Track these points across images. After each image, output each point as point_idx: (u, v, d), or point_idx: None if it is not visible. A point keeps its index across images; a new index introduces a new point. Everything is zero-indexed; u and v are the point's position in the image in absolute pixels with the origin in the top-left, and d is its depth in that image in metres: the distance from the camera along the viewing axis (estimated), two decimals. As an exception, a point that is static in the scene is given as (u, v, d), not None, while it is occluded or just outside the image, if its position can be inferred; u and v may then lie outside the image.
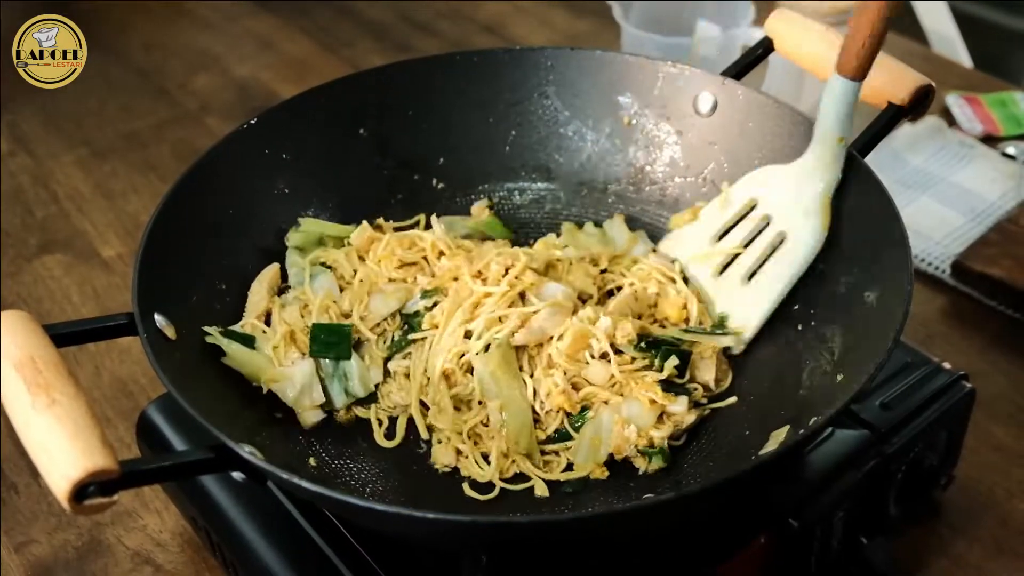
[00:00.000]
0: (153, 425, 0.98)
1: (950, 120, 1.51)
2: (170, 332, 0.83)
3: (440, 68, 1.07)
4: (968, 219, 1.34)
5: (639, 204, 1.08)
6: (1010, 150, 1.44)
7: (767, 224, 0.96)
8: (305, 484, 0.72)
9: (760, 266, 0.95)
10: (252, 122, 1.00)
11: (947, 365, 0.96)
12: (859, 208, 0.91)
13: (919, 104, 0.92)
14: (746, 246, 0.97)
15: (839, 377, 0.84)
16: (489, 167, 1.10)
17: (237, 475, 0.74)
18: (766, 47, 1.02)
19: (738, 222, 0.98)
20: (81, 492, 0.64)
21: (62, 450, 0.65)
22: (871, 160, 0.91)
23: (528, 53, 1.08)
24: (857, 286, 0.88)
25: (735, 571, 0.83)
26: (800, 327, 0.93)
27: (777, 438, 0.84)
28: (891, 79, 0.93)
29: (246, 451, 0.71)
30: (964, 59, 1.98)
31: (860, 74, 0.87)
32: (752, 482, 0.78)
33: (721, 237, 0.98)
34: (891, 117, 0.93)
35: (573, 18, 1.87)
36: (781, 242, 0.95)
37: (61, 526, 1.05)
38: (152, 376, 1.17)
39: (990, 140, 1.48)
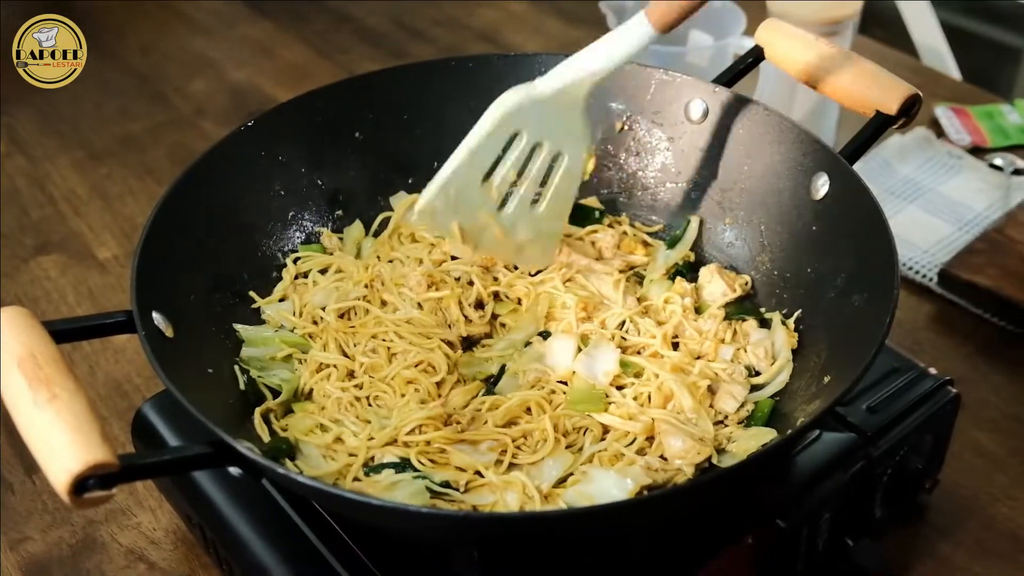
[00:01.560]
0: (148, 423, 0.99)
1: (939, 131, 1.53)
2: (168, 330, 0.84)
3: (435, 73, 1.09)
4: (955, 228, 1.35)
5: (631, 209, 1.09)
6: (997, 161, 1.46)
7: (533, 150, 0.95)
8: (301, 479, 0.73)
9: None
10: (249, 124, 1.01)
11: (933, 371, 0.97)
12: (847, 214, 0.92)
13: (906, 113, 0.93)
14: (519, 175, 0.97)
15: (826, 379, 0.85)
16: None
17: (234, 470, 0.74)
18: (756, 55, 1.03)
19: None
20: (81, 485, 0.65)
21: (63, 444, 0.65)
22: (861, 170, 0.92)
23: (522, 59, 1.09)
24: (845, 290, 0.90)
25: (722, 570, 0.84)
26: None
27: (762, 439, 0.85)
28: (879, 88, 0.95)
29: (243, 447, 0.72)
30: (953, 72, 1.99)
31: (664, 28, 0.88)
32: (739, 481, 0.79)
33: (488, 175, 0.96)
34: (879, 125, 0.94)
35: (568, 26, 1.88)
36: (555, 161, 0.96)
37: (56, 523, 1.06)
38: (147, 375, 1.19)
39: (978, 151, 1.49)
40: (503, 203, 0.98)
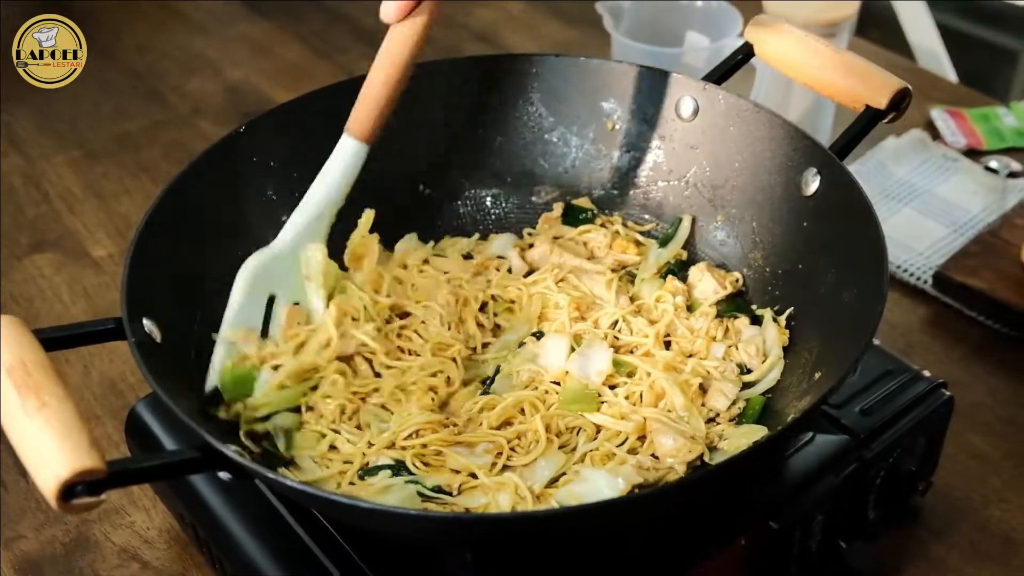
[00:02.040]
0: (142, 422, 0.99)
1: (934, 133, 1.53)
2: (157, 336, 0.84)
3: (426, 75, 1.08)
4: (950, 231, 1.35)
5: (623, 208, 1.09)
6: (992, 164, 1.46)
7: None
8: (291, 483, 0.73)
9: None
10: (241, 128, 1.01)
11: (927, 373, 0.97)
12: (837, 209, 0.92)
13: (896, 107, 0.93)
14: None
15: (817, 375, 0.85)
16: (475, 173, 1.11)
17: (223, 475, 0.74)
18: (746, 52, 1.03)
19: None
20: (69, 491, 0.65)
21: (51, 450, 0.66)
22: (856, 171, 0.93)
23: (513, 60, 1.09)
24: (835, 286, 0.90)
25: (715, 572, 0.84)
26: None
27: (754, 436, 0.85)
28: (868, 83, 0.95)
29: (232, 451, 0.72)
30: (949, 74, 2.00)
31: (368, 138, 0.92)
32: (729, 478, 0.79)
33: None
34: (869, 120, 0.94)
35: (565, 27, 1.88)
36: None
37: (49, 522, 1.06)
38: (141, 375, 1.18)
39: (973, 154, 1.49)
40: None
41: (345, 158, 0.93)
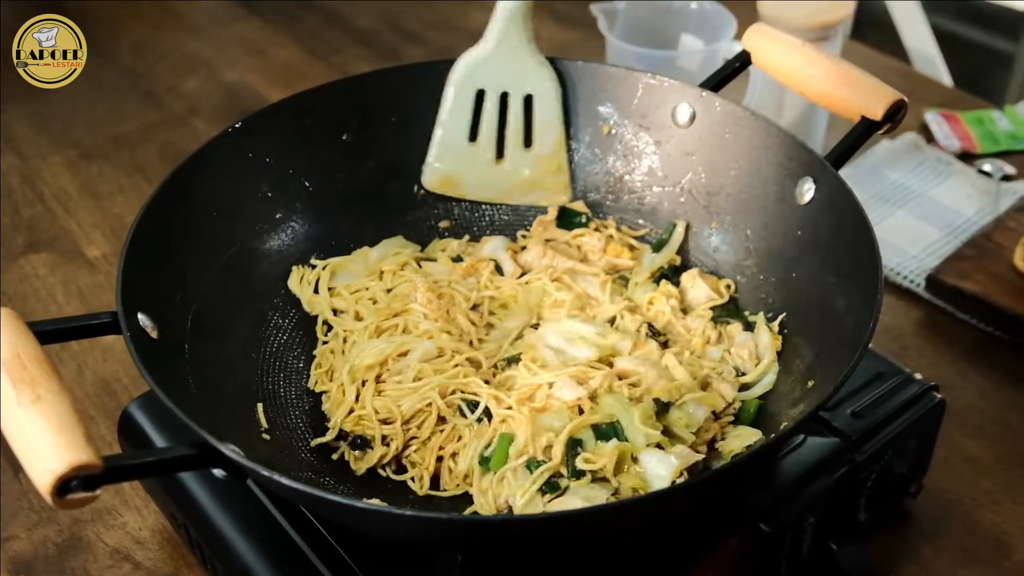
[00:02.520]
0: (135, 423, 0.99)
1: (928, 136, 1.53)
2: (153, 332, 0.84)
3: (423, 76, 1.09)
4: (944, 234, 1.35)
5: (618, 213, 1.09)
6: (986, 167, 1.46)
7: (506, 99, 1.05)
8: (285, 481, 0.73)
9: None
10: (236, 126, 1.01)
11: (918, 376, 0.98)
12: (832, 219, 0.92)
13: (892, 118, 0.94)
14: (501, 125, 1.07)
15: (810, 383, 0.85)
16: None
17: (218, 472, 0.74)
18: (744, 60, 1.03)
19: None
20: (64, 486, 0.65)
21: (46, 445, 0.66)
22: (850, 174, 0.93)
23: (511, 63, 1.10)
24: (829, 295, 0.90)
25: (706, 574, 0.84)
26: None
27: (749, 439, 0.86)
28: (865, 94, 0.95)
29: (228, 449, 0.73)
30: (944, 77, 2.00)
31: None
32: (722, 484, 0.79)
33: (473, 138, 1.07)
34: (864, 130, 0.94)
35: (560, 29, 1.88)
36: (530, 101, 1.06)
37: (41, 522, 1.06)
38: (134, 375, 1.19)
39: (967, 157, 1.49)
40: (501, 155, 1.08)
41: None
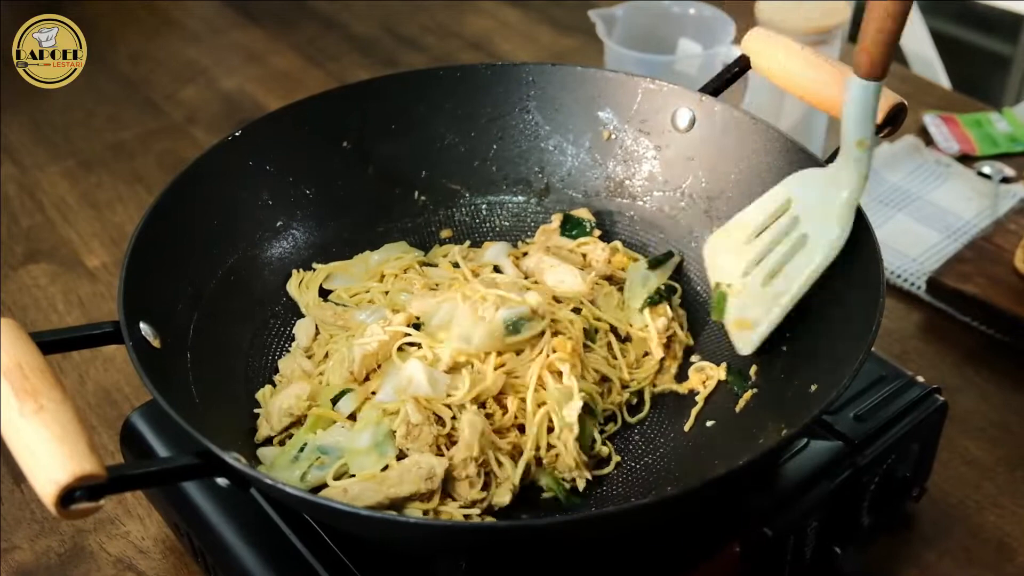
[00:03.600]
0: (137, 433, 0.99)
1: (927, 139, 1.53)
2: (155, 341, 0.84)
3: (423, 83, 1.09)
4: (944, 236, 1.36)
5: (617, 218, 1.09)
6: (986, 169, 1.46)
7: (795, 225, 0.94)
8: (289, 490, 0.73)
9: (780, 268, 0.94)
10: (236, 134, 1.01)
11: (920, 379, 0.98)
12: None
13: (892, 122, 0.94)
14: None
15: (813, 387, 0.85)
16: (470, 181, 1.11)
17: (222, 481, 0.74)
18: (743, 65, 1.03)
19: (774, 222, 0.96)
20: (68, 497, 0.65)
21: (49, 455, 0.65)
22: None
23: (510, 68, 1.10)
24: (831, 298, 0.90)
25: (709, 579, 0.84)
26: (775, 336, 0.95)
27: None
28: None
29: (232, 457, 0.73)
30: (942, 80, 2.00)
31: (873, 73, 0.85)
32: (723, 490, 0.79)
33: (759, 235, 0.96)
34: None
35: (558, 35, 1.89)
36: (803, 245, 0.93)
37: (44, 532, 1.06)
38: (136, 384, 1.19)
39: (966, 159, 1.50)
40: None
41: (856, 100, 0.87)
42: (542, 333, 0.93)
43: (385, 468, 0.86)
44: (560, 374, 0.91)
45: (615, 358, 0.98)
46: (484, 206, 1.12)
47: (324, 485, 0.86)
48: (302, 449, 0.88)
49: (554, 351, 0.92)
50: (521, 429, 0.91)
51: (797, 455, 0.90)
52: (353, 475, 0.86)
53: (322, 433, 0.89)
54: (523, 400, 0.91)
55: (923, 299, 1.28)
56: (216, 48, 1.89)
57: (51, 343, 0.77)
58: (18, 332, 0.73)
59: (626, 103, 1.07)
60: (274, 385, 0.96)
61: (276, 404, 0.92)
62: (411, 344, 0.94)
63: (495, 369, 0.91)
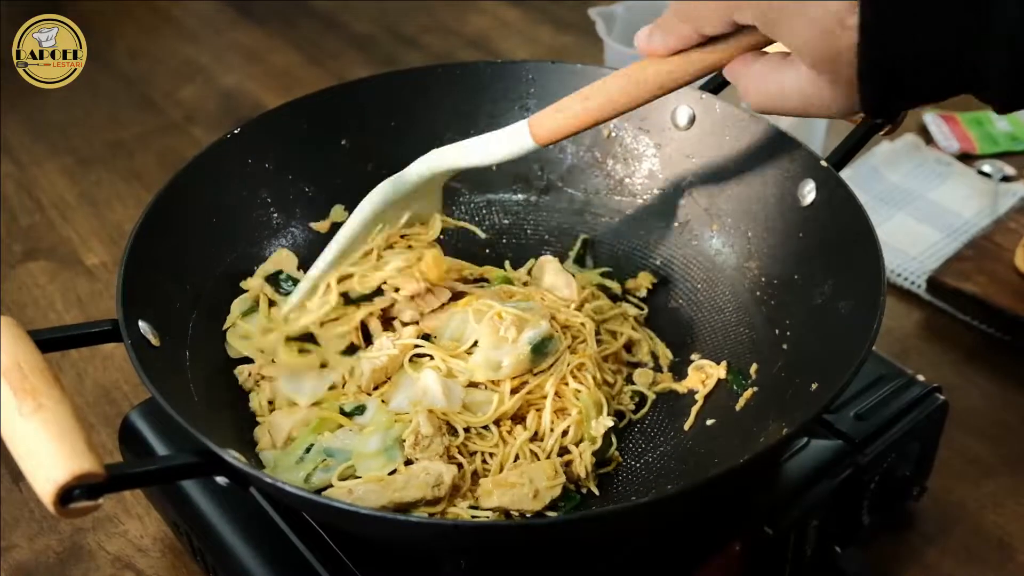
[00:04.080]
0: (136, 431, 0.99)
1: (927, 138, 1.53)
2: (154, 339, 0.84)
3: (422, 80, 1.09)
4: (944, 235, 1.35)
5: (617, 215, 1.09)
6: (986, 168, 1.46)
7: None
8: (288, 488, 0.73)
9: None
10: (235, 132, 1.01)
11: (921, 377, 0.98)
12: (834, 221, 0.92)
13: (891, 120, 0.93)
14: None
15: (813, 386, 0.85)
16: (469, 178, 1.10)
17: (221, 480, 0.74)
18: (744, 62, 1.03)
19: None
20: (67, 495, 0.65)
21: (48, 454, 0.65)
22: (850, 176, 0.93)
23: (509, 66, 1.09)
24: (832, 297, 0.90)
25: (710, 577, 0.84)
26: (776, 335, 0.94)
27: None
28: (866, 95, 0.95)
29: (231, 456, 0.72)
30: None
31: (542, 141, 0.85)
32: (724, 488, 0.79)
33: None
34: (865, 132, 0.94)
35: (558, 33, 1.89)
36: None
37: (42, 531, 1.05)
38: (135, 383, 1.18)
39: (966, 158, 1.49)
40: None
41: (512, 146, 0.88)
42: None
43: (393, 472, 0.86)
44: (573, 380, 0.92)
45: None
46: (483, 204, 1.12)
47: (329, 487, 0.86)
48: (307, 451, 0.87)
49: (577, 365, 0.92)
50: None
51: (798, 454, 0.90)
52: (359, 476, 0.86)
53: (330, 435, 0.89)
54: (539, 411, 0.90)
55: (923, 298, 1.28)
56: (215, 46, 1.89)
57: (50, 341, 0.77)
58: (17, 331, 0.73)
59: (626, 101, 1.07)
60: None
61: (277, 424, 0.90)
62: (421, 356, 0.93)
63: (514, 392, 0.91)
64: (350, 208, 1.05)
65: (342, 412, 0.90)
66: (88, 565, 1.03)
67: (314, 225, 1.06)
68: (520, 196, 1.12)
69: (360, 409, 0.90)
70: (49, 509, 0.65)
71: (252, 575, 0.86)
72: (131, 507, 1.07)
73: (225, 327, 0.96)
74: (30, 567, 1.02)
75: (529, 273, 1.05)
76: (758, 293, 0.99)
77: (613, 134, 1.08)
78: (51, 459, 0.65)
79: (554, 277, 1.02)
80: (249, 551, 0.88)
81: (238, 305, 0.98)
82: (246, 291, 0.98)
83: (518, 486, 0.84)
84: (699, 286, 1.04)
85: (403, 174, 0.93)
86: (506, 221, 1.11)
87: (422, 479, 0.83)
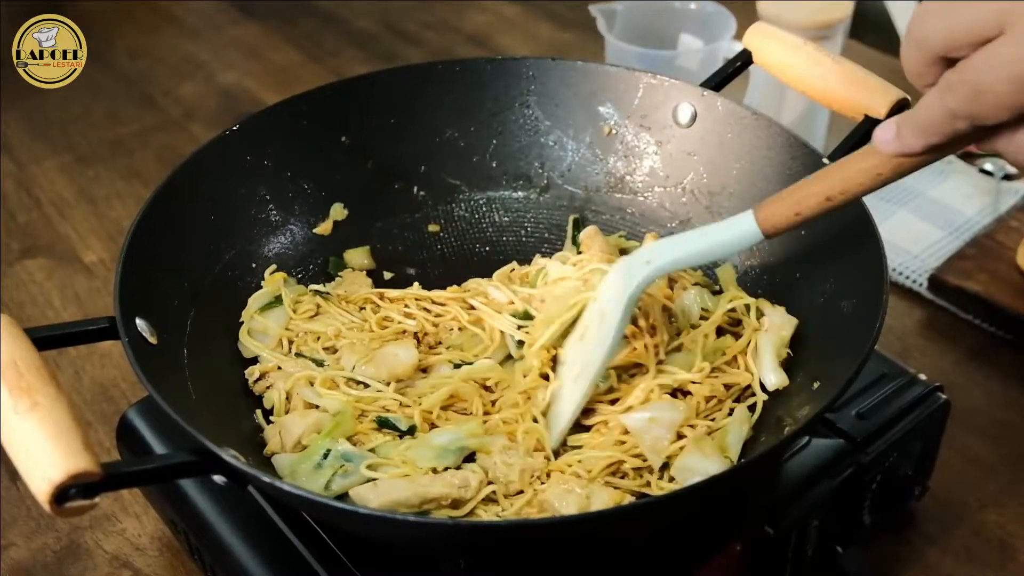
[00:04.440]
0: (133, 429, 0.98)
1: (929, 136, 1.52)
2: (152, 337, 0.84)
3: (422, 77, 1.08)
4: (946, 233, 1.35)
5: (618, 213, 1.09)
6: (987, 166, 1.46)
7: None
8: (286, 488, 0.72)
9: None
10: (234, 128, 1.01)
11: (923, 377, 0.97)
12: (836, 220, 0.91)
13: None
14: None
15: (815, 384, 0.85)
16: (470, 175, 1.11)
17: (219, 478, 0.74)
18: (745, 59, 1.03)
19: None
20: (63, 494, 0.64)
21: (44, 452, 0.65)
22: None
23: (510, 63, 1.09)
24: (834, 296, 0.89)
25: (711, 577, 0.84)
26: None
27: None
28: (867, 92, 0.94)
29: (229, 454, 0.72)
30: (944, 75, 1.99)
31: (769, 232, 0.82)
32: (726, 487, 0.78)
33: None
34: (867, 130, 0.93)
35: (558, 30, 1.88)
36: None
37: (40, 530, 1.05)
38: (132, 380, 1.18)
39: (968, 156, 1.49)
40: None
41: (735, 232, 0.83)
42: None
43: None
44: None
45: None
46: (483, 201, 1.11)
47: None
48: (325, 456, 0.85)
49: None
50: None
51: (799, 453, 0.90)
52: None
53: (368, 438, 0.88)
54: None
55: (925, 296, 1.27)
56: (214, 44, 1.89)
57: (47, 339, 0.77)
58: (13, 328, 0.73)
59: (627, 98, 1.07)
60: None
61: (289, 426, 0.89)
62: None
63: None
64: (349, 206, 1.05)
65: (382, 423, 0.89)
66: (86, 564, 1.02)
67: (316, 230, 1.06)
68: (520, 194, 1.11)
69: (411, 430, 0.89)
70: (45, 508, 0.64)
71: (250, 574, 0.86)
72: (129, 506, 1.07)
73: (241, 320, 0.97)
74: (28, 566, 1.02)
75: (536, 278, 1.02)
76: (759, 291, 0.98)
77: (614, 132, 1.08)
78: (47, 458, 0.64)
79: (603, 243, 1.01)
80: (247, 550, 0.87)
81: (255, 300, 0.98)
82: (242, 288, 0.98)
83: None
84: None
85: (635, 283, 0.86)
86: (506, 219, 1.11)
87: (448, 479, 0.82)
